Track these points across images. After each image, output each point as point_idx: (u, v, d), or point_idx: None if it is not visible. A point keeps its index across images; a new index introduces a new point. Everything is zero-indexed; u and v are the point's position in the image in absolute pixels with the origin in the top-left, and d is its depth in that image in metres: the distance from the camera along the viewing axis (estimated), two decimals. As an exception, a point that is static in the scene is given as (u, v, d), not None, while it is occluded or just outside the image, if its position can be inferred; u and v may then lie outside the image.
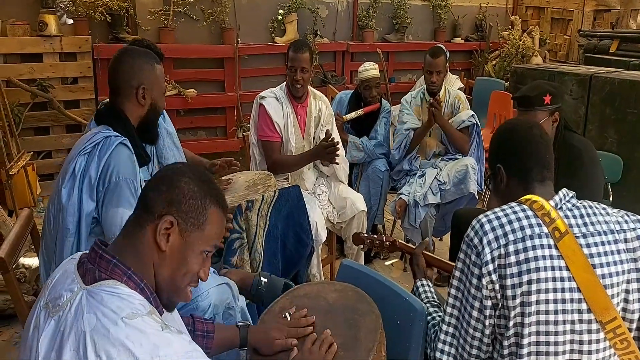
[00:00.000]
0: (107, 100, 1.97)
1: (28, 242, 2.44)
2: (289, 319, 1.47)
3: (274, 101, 2.93)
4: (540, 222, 1.28)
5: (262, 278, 1.80)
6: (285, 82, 3.01)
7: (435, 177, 3.31)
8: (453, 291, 1.36)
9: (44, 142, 4.29)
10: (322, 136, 3.07)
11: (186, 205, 1.11)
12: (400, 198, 3.34)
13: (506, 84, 5.16)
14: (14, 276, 1.82)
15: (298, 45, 2.90)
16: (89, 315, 0.97)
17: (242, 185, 2.57)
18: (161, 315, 1.09)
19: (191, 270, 1.14)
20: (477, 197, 3.26)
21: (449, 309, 1.37)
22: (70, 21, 4.34)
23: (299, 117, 3.00)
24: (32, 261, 2.82)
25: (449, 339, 1.38)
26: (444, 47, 3.50)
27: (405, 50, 6.01)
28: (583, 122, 3.62)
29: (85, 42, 4.25)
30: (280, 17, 5.16)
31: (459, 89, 4.30)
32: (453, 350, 1.37)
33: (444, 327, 1.38)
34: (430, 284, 1.70)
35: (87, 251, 1.13)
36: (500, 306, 1.28)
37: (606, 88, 3.46)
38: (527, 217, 1.29)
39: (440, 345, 1.38)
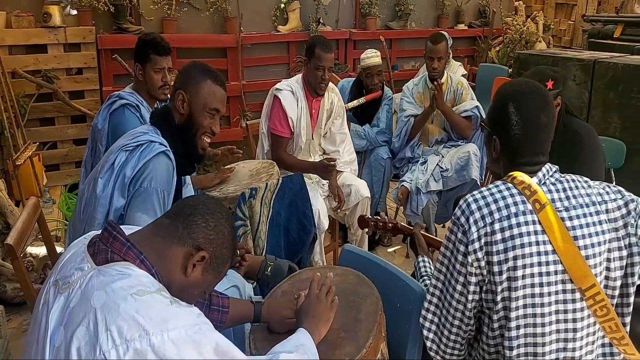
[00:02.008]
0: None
1: (35, 231, 2.48)
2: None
3: (289, 95, 2.93)
4: (524, 198, 1.32)
5: (269, 262, 1.89)
6: (301, 76, 3.00)
7: (438, 164, 3.32)
8: (438, 265, 1.42)
9: (50, 132, 4.31)
10: (333, 129, 3.13)
11: (220, 252, 1.20)
12: (403, 185, 3.35)
13: (510, 70, 5.14)
14: (23, 263, 1.86)
15: (326, 44, 2.85)
16: (99, 292, 1.01)
17: (245, 174, 2.60)
18: None
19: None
20: (479, 183, 3.27)
21: (434, 281, 1.43)
22: (74, 12, 4.35)
23: (313, 112, 3.02)
24: (39, 250, 2.86)
25: (432, 308, 1.44)
26: (445, 34, 3.49)
27: (408, 38, 5.96)
28: (586, 108, 3.61)
29: (89, 32, 4.26)
30: (282, 5, 5.14)
31: (462, 75, 4.29)
32: (436, 319, 1.43)
33: (428, 297, 1.45)
34: (430, 260, 1.76)
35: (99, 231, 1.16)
36: (487, 282, 1.32)
37: (609, 73, 3.44)
38: (512, 195, 1.33)
39: (423, 313, 1.45)
